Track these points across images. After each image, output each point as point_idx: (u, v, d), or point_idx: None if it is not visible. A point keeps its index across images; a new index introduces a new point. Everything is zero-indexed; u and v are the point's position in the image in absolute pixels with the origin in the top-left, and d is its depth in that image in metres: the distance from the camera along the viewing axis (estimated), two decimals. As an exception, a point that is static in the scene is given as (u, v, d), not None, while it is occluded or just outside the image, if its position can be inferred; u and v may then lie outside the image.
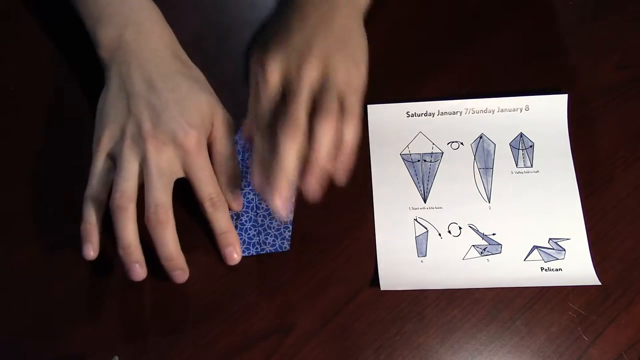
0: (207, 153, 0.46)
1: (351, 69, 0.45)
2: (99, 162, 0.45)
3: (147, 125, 0.43)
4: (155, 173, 0.43)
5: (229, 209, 0.47)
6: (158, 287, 0.45)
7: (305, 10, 0.46)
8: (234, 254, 0.46)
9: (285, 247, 0.46)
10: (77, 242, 0.46)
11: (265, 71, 0.45)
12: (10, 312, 0.44)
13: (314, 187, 0.42)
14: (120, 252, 0.43)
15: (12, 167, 0.49)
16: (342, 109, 0.44)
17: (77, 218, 0.44)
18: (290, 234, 0.46)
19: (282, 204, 0.41)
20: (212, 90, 0.48)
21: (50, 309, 0.44)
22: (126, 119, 0.44)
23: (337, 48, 0.45)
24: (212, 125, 0.47)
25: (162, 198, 0.43)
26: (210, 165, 0.46)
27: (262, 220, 0.47)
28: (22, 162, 0.49)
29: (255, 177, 0.43)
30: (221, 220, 0.46)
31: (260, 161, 0.43)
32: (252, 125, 0.45)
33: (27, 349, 0.43)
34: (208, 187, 0.45)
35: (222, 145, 0.47)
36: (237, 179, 0.47)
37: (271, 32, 0.47)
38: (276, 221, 0.47)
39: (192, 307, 0.45)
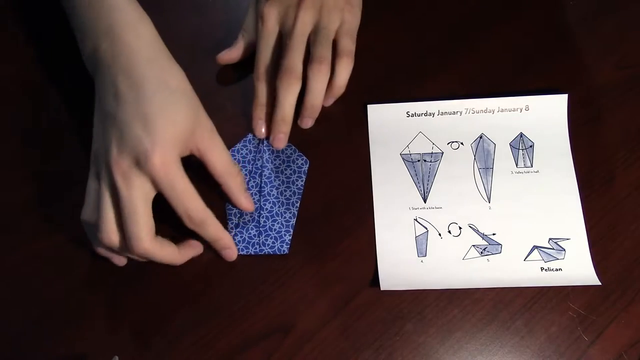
0: (178, 168, 0.40)
1: (345, 10, 0.49)
2: (90, 184, 0.42)
3: (113, 151, 0.39)
4: (128, 207, 0.39)
5: (244, 210, 0.47)
6: (158, 287, 0.45)
7: None
8: (232, 255, 0.46)
9: (284, 251, 0.46)
10: (76, 242, 0.46)
11: (262, 19, 0.48)
12: (10, 312, 0.44)
13: (307, 123, 0.50)
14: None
15: (12, 167, 0.49)
16: (336, 50, 0.49)
17: (77, 218, 0.44)
18: (290, 237, 0.46)
19: (281, 142, 0.49)
20: (193, 98, 0.43)
21: (50, 309, 0.44)
22: (101, 143, 0.41)
23: None
24: (195, 135, 0.42)
25: (140, 232, 0.40)
26: (183, 180, 0.41)
27: (264, 222, 0.47)
28: (22, 162, 0.49)
29: (256, 120, 0.49)
30: (207, 233, 0.43)
31: (258, 104, 0.49)
32: (256, 69, 0.49)
33: (27, 349, 0.43)
34: (182, 204, 0.41)
35: (213, 154, 0.43)
36: (240, 183, 0.45)
37: None
38: (278, 224, 0.47)
39: (192, 307, 0.45)
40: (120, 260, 0.45)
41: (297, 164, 0.49)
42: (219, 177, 0.44)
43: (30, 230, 0.47)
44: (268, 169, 0.49)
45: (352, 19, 0.50)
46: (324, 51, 0.47)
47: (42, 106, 0.52)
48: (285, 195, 0.48)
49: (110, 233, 0.41)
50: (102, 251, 0.44)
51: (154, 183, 0.40)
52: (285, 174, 0.48)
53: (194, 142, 0.42)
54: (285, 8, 0.48)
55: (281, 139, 0.49)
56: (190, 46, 0.54)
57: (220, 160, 0.43)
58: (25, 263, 0.46)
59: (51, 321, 0.44)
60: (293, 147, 0.50)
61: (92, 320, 0.44)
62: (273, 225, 0.47)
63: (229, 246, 0.45)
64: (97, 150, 0.42)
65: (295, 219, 0.47)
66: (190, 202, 0.41)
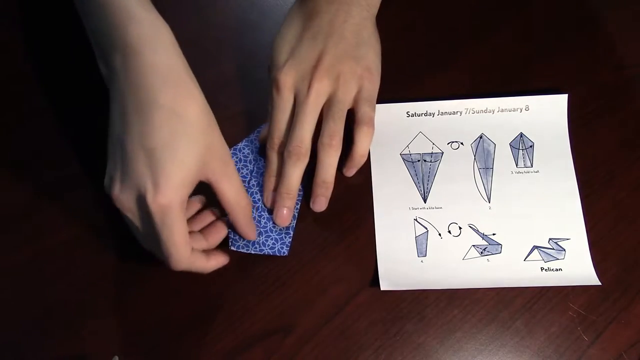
0: (177, 215, 0.37)
1: (363, 78, 0.46)
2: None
3: (116, 186, 0.37)
4: (156, 235, 0.38)
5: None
6: (158, 287, 0.45)
7: (316, 16, 0.46)
8: (283, 250, 0.46)
9: (284, 253, 0.46)
10: (76, 242, 0.46)
11: (277, 87, 0.45)
12: (10, 312, 0.44)
13: (320, 203, 0.47)
14: None
15: (12, 167, 0.49)
16: (355, 117, 0.46)
17: (77, 218, 0.44)
18: (290, 240, 0.46)
19: (283, 219, 0.46)
20: (207, 126, 0.39)
21: (50, 309, 0.44)
22: (110, 167, 0.39)
23: (348, 56, 0.46)
24: (207, 167, 0.39)
25: (171, 257, 0.39)
26: (179, 230, 0.38)
27: (265, 223, 0.47)
28: (22, 162, 0.49)
29: (265, 191, 0.47)
30: (203, 268, 0.42)
31: (270, 175, 0.47)
32: (269, 139, 0.47)
33: (28, 348, 0.43)
34: (169, 251, 0.38)
35: (224, 185, 0.41)
36: (248, 215, 0.44)
37: (284, 40, 0.47)
38: (275, 228, 0.47)
39: (192, 307, 0.45)
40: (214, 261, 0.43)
41: None
42: (227, 208, 0.42)
43: (30, 230, 0.47)
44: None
45: (371, 86, 0.47)
46: (336, 127, 0.45)
47: (42, 106, 0.52)
48: None
49: (161, 255, 0.40)
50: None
51: (152, 220, 0.37)
52: None
53: (205, 173, 0.39)
54: (301, 76, 0.45)
55: (284, 215, 0.46)
56: (190, 46, 0.54)
57: (231, 191, 0.41)
58: (25, 263, 0.46)
59: (51, 321, 0.44)
60: None
61: (92, 320, 0.44)
62: (274, 226, 0.46)
63: (221, 261, 0.44)
64: (108, 172, 0.39)
65: (295, 221, 0.47)
66: (178, 253, 0.38)
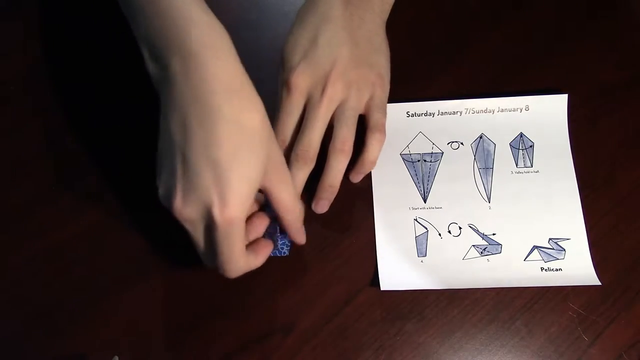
0: (241, 228, 0.37)
1: (375, 85, 0.46)
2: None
3: (177, 197, 0.36)
4: (213, 246, 0.38)
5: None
6: (158, 287, 0.45)
7: (330, 21, 0.46)
8: (283, 250, 0.45)
9: (285, 253, 0.46)
10: (76, 242, 0.46)
11: (289, 89, 0.45)
12: (10, 312, 0.44)
13: (323, 206, 0.47)
14: None
15: (12, 167, 0.49)
16: (367, 123, 0.46)
17: (77, 218, 0.44)
18: (291, 241, 0.46)
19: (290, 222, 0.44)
20: (267, 136, 0.38)
21: (50, 309, 0.44)
22: (167, 174, 0.37)
23: (362, 63, 0.46)
24: (265, 175, 0.39)
25: (229, 268, 0.39)
26: (239, 242, 0.38)
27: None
28: (22, 162, 0.49)
29: None
30: (254, 267, 0.42)
31: None
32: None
33: (28, 348, 0.43)
34: (224, 262, 0.39)
35: (280, 191, 0.40)
36: (300, 220, 0.44)
37: (297, 43, 0.46)
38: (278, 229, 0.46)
39: (192, 307, 0.45)
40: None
41: None
42: (281, 213, 0.42)
43: (30, 230, 0.47)
44: None
45: (382, 93, 0.47)
46: (349, 133, 0.45)
47: (42, 106, 0.52)
48: None
49: (217, 265, 0.39)
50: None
51: (212, 233, 0.37)
52: None
53: (264, 182, 0.39)
54: (315, 80, 0.45)
55: (325, 205, 0.47)
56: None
57: (286, 197, 0.41)
58: (25, 263, 0.46)
59: (51, 321, 0.44)
60: None
61: (92, 320, 0.44)
62: (276, 227, 0.46)
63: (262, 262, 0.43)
64: (164, 182, 0.38)
65: None
66: (237, 264, 0.39)
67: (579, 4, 0.56)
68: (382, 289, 0.45)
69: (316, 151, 0.45)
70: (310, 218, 0.47)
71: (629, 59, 0.53)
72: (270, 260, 0.46)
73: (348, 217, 0.48)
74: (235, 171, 0.35)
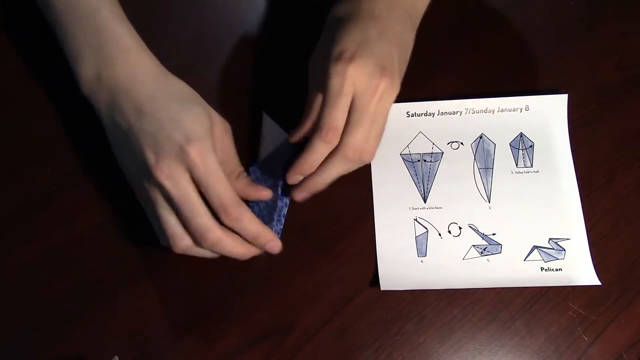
0: (213, 160, 0.41)
1: (394, 93, 0.44)
2: (147, 209, 0.43)
3: (150, 159, 0.40)
4: (185, 204, 0.40)
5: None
6: (158, 287, 0.45)
7: (378, 19, 0.45)
8: (275, 248, 0.44)
9: None
10: (76, 242, 0.46)
11: (344, 79, 0.42)
12: (10, 312, 0.44)
13: (302, 197, 0.46)
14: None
15: (11, 166, 0.49)
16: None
17: (77, 218, 0.44)
18: (281, 227, 0.46)
19: (301, 198, 0.46)
20: (204, 102, 0.44)
21: (50, 309, 0.44)
22: (133, 160, 0.42)
23: (400, 70, 0.45)
24: (214, 126, 0.43)
25: (207, 223, 0.40)
26: (218, 171, 0.41)
27: (259, 212, 0.47)
28: (21, 162, 0.49)
29: (293, 173, 0.45)
30: (246, 229, 0.42)
31: (308, 163, 0.44)
32: (322, 130, 0.43)
33: (27, 348, 0.43)
34: (218, 195, 0.41)
35: (225, 154, 0.45)
36: (245, 178, 0.46)
37: (349, 35, 0.44)
38: (270, 214, 0.47)
39: (192, 307, 0.45)
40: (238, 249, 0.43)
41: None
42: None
43: (29, 231, 0.47)
44: (265, 167, 0.48)
45: (392, 99, 0.45)
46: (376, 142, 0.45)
47: (42, 106, 0.52)
48: (277, 189, 0.47)
49: (181, 239, 0.41)
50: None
51: (192, 175, 0.40)
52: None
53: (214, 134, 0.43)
54: (370, 74, 0.42)
55: (304, 197, 0.46)
56: (190, 46, 0.54)
57: (226, 158, 0.45)
58: (25, 263, 0.46)
59: (51, 321, 0.44)
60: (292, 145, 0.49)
61: (92, 320, 0.44)
62: (270, 215, 0.46)
63: (270, 239, 0.43)
64: (131, 171, 0.43)
65: (286, 209, 0.47)
66: (225, 193, 0.41)
67: (578, 4, 0.56)
68: (382, 289, 0.45)
69: (372, 152, 0.44)
70: (310, 218, 0.47)
71: (629, 59, 0.54)
72: (271, 260, 0.46)
73: (348, 217, 0.48)
74: (188, 117, 0.41)
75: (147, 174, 0.40)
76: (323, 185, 0.45)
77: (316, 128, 0.43)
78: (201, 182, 0.40)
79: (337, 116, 0.42)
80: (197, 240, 0.41)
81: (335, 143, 0.43)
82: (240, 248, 0.42)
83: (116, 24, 0.44)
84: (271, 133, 0.49)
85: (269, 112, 0.50)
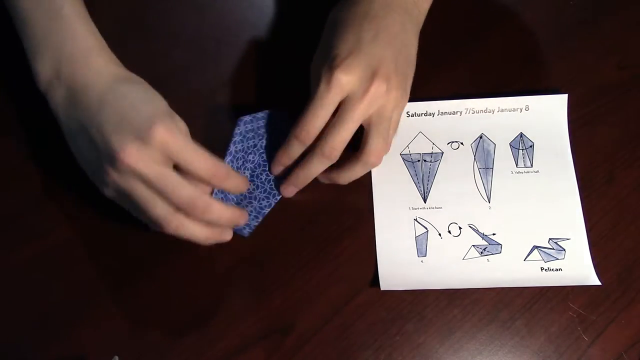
0: (182, 135, 0.40)
1: (402, 98, 0.45)
2: (111, 194, 0.42)
3: (116, 147, 0.39)
4: (164, 181, 0.39)
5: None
6: (158, 287, 0.45)
7: (374, 20, 0.45)
8: (245, 231, 0.46)
9: (245, 234, 0.46)
10: (76, 242, 0.46)
11: (330, 84, 0.42)
12: (10, 312, 0.44)
13: (290, 192, 0.48)
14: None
15: (11, 167, 0.49)
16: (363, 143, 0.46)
17: (76, 218, 0.44)
18: (256, 224, 0.46)
19: (289, 193, 0.48)
20: (165, 101, 0.43)
21: (50, 309, 0.44)
22: (97, 155, 0.41)
23: (400, 71, 0.45)
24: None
25: (192, 191, 0.40)
26: (192, 143, 0.41)
27: (239, 201, 0.47)
28: (21, 162, 0.49)
29: (277, 165, 0.48)
30: (238, 186, 0.43)
31: (283, 164, 0.47)
32: (299, 129, 0.44)
33: (27, 349, 0.43)
34: (200, 164, 0.40)
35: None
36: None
37: (342, 38, 0.44)
38: (251, 206, 0.47)
39: (192, 307, 0.45)
40: (222, 235, 0.44)
41: None
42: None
43: (29, 231, 0.47)
44: (265, 154, 0.49)
45: (400, 113, 0.47)
46: (385, 147, 0.45)
47: (41, 106, 0.52)
48: (271, 185, 0.48)
49: (171, 219, 0.40)
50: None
51: (165, 152, 0.39)
52: None
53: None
54: (359, 77, 0.43)
55: (291, 191, 0.48)
56: (190, 46, 0.54)
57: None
58: (25, 263, 0.46)
59: (51, 321, 0.44)
60: None
61: (92, 320, 0.44)
62: (247, 206, 0.46)
63: (239, 219, 0.43)
64: (94, 167, 0.42)
65: (269, 210, 0.47)
66: (206, 159, 0.40)
67: (578, 4, 0.56)
68: (382, 289, 0.45)
69: (340, 152, 0.44)
70: (310, 218, 0.47)
71: (629, 59, 0.54)
72: (271, 259, 0.46)
73: (348, 217, 0.48)
74: (147, 99, 0.41)
75: (115, 164, 0.39)
76: (306, 180, 0.47)
77: (294, 124, 0.45)
78: (178, 157, 0.40)
79: (312, 120, 0.43)
80: (187, 212, 0.40)
81: (308, 143, 0.45)
82: (229, 211, 0.42)
83: (79, 22, 0.43)
84: (276, 127, 0.50)
85: (266, 108, 0.50)
